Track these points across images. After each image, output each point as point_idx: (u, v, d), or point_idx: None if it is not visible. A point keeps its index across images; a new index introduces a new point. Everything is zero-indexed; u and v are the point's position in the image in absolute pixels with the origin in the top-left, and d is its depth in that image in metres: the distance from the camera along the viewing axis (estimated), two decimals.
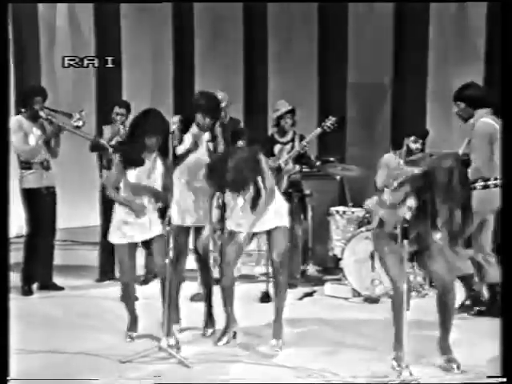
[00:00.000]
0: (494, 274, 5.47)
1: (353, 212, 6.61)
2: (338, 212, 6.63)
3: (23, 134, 6.05)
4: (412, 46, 10.34)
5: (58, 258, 6.50)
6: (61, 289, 6.31)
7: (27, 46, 9.57)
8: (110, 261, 6.69)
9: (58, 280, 6.38)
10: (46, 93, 6.29)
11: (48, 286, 6.28)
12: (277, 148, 6.68)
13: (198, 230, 5.06)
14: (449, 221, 4.12)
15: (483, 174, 5.41)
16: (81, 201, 8.35)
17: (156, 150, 4.83)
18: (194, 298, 5.92)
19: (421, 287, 6.22)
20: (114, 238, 4.91)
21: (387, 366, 4.23)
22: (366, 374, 4.17)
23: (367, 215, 6.32)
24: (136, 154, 4.79)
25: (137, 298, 5.39)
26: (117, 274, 6.57)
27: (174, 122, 6.53)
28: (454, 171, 4.02)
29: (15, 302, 5.55)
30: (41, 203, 6.14)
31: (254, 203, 4.75)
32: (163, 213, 5.02)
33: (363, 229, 6.11)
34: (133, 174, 4.82)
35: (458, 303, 5.49)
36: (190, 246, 5.33)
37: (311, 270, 6.90)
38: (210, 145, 5.31)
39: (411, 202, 4.24)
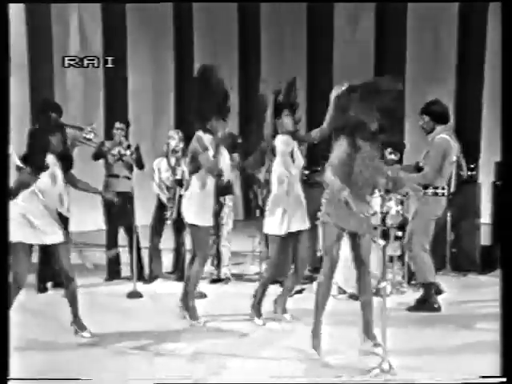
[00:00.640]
0: (424, 274, 5.68)
1: None
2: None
3: None
4: (392, 59, 10.55)
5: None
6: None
7: (42, 65, 9.72)
8: (117, 262, 6.83)
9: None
10: (61, 109, 6.31)
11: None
12: None
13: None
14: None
15: (432, 182, 5.63)
16: (90, 207, 8.42)
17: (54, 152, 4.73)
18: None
19: (400, 285, 6.33)
20: (17, 236, 4.59)
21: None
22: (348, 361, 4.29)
23: None
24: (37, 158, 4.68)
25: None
26: (123, 273, 6.80)
27: (171, 136, 6.70)
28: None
29: (31, 298, 5.92)
30: None
31: None
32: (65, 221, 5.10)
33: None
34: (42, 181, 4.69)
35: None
36: None
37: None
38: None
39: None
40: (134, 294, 6.09)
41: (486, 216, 7.41)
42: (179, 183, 6.54)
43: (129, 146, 6.61)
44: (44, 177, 4.70)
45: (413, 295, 6.04)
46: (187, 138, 6.93)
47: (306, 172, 7.00)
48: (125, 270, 6.82)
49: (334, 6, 10.76)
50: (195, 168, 5.20)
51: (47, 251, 5.98)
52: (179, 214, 6.53)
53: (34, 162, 4.70)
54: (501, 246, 4.21)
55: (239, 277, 6.86)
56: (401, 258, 6.52)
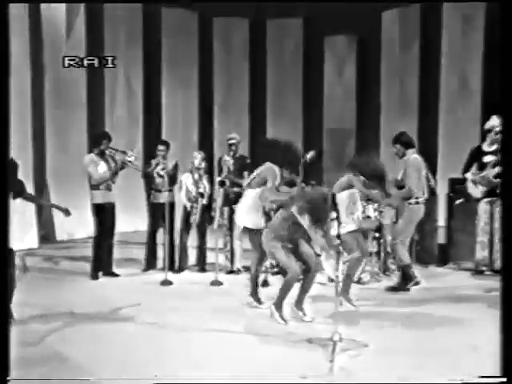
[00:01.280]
0: (402, 258, 5.68)
1: None
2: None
3: (95, 166, 6.10)
4: (369, 101, 10.61)
5: (116, 254, 6.52)
6: (118, 275, 6.34)
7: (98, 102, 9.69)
8: (153, 256, 6.78)
9: (116, 269, 6.43)
10: (111, 137, 6.30)
11: (109, 273, 6.33)
12: None
13: None
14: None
15: (414, 193, 5.66)
16: (132, 212, 8.43)
17: None
18: None
19: (377, 275, 6.29)
20: None
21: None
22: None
23: None
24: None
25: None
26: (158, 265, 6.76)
27: (195, 156, 6.70)
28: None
29: (87, 284, 6.01)
30: (104, 214, 6.15)
31: None
32: None
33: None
34: None
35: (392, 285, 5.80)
36: None
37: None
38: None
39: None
40: (166, 282, 6.06)
41: (441, 220, 7.43)
42: (201, 195, 6.60)
43: (163, 168, 6.54)
44: None
45: (387, 283, 6.05)
46: (208, 158, 7.03)
47: (302, 185, 6.99)
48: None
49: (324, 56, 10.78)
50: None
51: (99, 246, 6.10)
52: (202, 219, 6.59)
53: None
54: (503, 248, 3.87)
55: (248, 269, 6.74)
56: (377, 253, 6.47)
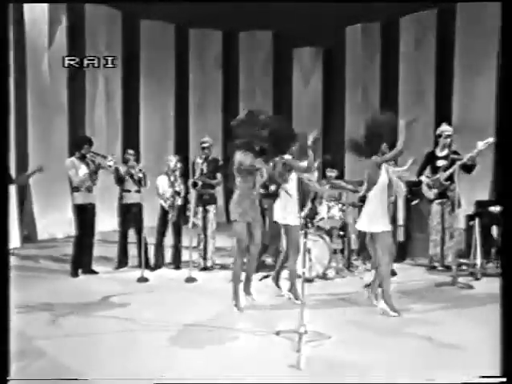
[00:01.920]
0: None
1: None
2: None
3: (75, 169, 6.03)
4: (334, 107, 10.74)
5: (96, 252, 6.40)
6: (97, 273, 6.26)
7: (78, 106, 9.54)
8: (124, 255, 6.64)
9: (95, 267, 6.33)
10: (92, 141, 6.23)
11: (89, 271, 6.24)
12: None
13: None
14: None
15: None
16: (112, 212, 8.28)
17: None
18: None
19: (341, 271, 6.34)
20: None
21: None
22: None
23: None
24: None
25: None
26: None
27: (170, 159, 6.65)
28: None
29: (67, 281, 5.91)
30: (85, 214, 6.09)
31: None
32: None
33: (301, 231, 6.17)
34: None
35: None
36: None
37: (268, 260, 6.84)
38: None
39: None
40: (142, 279, 6.01)
41: (400, 220, 7.50)
42: (178, 194, 6.56)
43: (140, 170, 6.44)
44: None
45: (352, 278, 6.11)
46: (184, 161, 6.98)
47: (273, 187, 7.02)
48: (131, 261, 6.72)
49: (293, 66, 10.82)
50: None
51: (80, 245, 5.99)
52: (178, 218, 6.54)
53: None
54: (502, 248, 3.90)
55: (222, 266, 6.73)
56: (342, 251, 6.52)
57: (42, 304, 4.90)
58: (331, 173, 6.52)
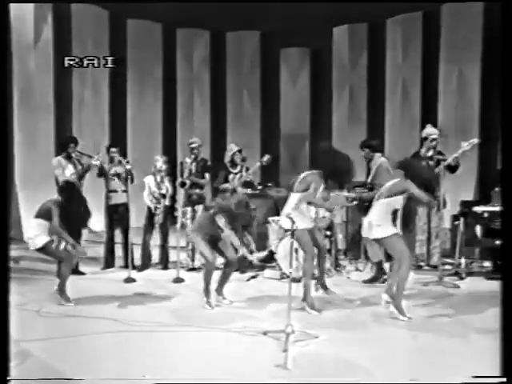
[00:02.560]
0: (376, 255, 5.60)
1: None
2: (273, 221, 6.45)
3: (62, 169, 6.01)
4: (321, 108, 10.74)
5: None
6: (84, 274, 6.26)
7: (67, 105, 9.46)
8: (111, 255, 6.65)
9: (82, 267, 6.32)
10: (78, 141, 6.22)
11: (75, 271, 6.11)
12: (230, 176, 6.65)
13: None
14: None
15: None
16: (100, 213, 8.26)
17: None
18: None
19: (329, 271, 6.29)
20: None
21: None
22: None
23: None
24: None
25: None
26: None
27: (157, 159, 6.64)
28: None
29: (54, 282, 5.58)
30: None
31: None
32: None
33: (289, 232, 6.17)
34: None
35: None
36: None
37: (255, 260, 6.93)
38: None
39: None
40: (130, 280, 5.99)
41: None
42: (163, 196, 6.55)
43: (128, 161, 6.36)
44: None
45: (339, 278, 6.15)
46: (172, 161, 6.97)
47: (259, 187, 6.99)
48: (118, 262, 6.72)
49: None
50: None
51: None
52: (165, 219, 6.53)
53: None
54: (502, 248, 3.86)
55: None
56: (329, 250, 6.54)
57: (27, 305, 4.87)
58: None
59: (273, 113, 10.94)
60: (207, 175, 6.64)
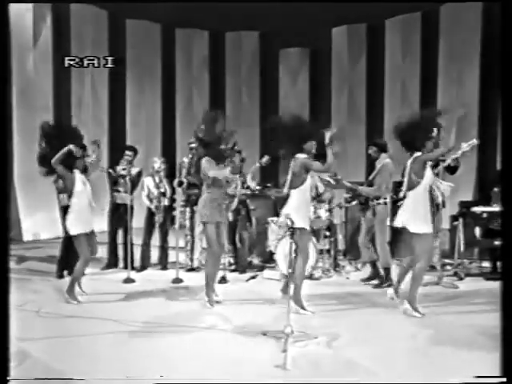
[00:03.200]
0: (386, 260, 5.71)
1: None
2: (272, 221, 6.52)
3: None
4: (320, 108, 10.72)
5: None
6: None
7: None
8: (114, 255, 6.68)
9: None
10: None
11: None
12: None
13: None
14: None
15: (383, 194, 5.74)
16: (99, 213, 8.24)
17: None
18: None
19: (328, 271, 6.36)
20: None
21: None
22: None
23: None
24: None
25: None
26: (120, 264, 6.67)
27: (155, 161, 6.65)
28: None
29: (54, 283, 5.86)
30: None
31: None
32: None
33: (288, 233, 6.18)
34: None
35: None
36: None
37: (255, 260, 6.89)
38: None
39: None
40: (129, 280, 5.99)
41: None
42: (163, 194, 6.55)
43: (124, 168, 6.42)
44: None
45: (339, 279, 6.15)
46: (171, 162, 6.97)
47: (259, 188, 6.92)
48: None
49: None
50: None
51: (65, 247, 5.92)
52: (164, 219, 6.52)
53: None
54: (501, 249, 3.86)
55: None
56: (328, 251, 6.55)
57: (26, 305, 4.86)
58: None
59: (272, 113, 10.93)
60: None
